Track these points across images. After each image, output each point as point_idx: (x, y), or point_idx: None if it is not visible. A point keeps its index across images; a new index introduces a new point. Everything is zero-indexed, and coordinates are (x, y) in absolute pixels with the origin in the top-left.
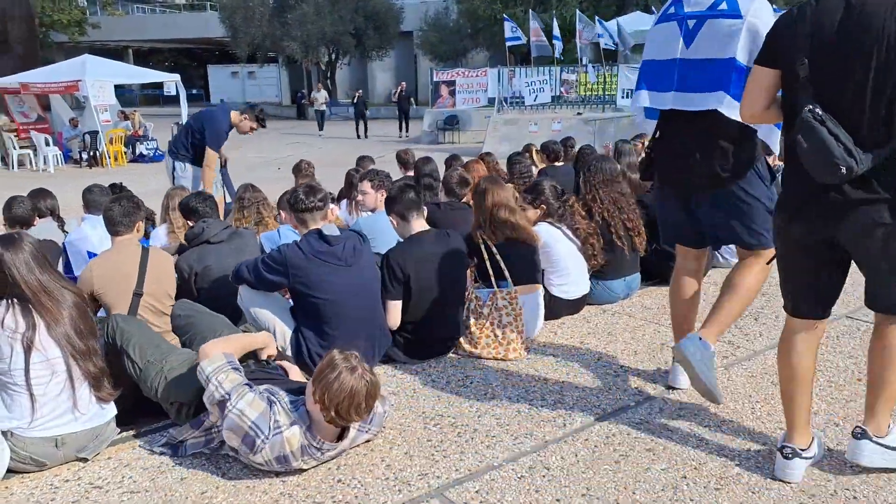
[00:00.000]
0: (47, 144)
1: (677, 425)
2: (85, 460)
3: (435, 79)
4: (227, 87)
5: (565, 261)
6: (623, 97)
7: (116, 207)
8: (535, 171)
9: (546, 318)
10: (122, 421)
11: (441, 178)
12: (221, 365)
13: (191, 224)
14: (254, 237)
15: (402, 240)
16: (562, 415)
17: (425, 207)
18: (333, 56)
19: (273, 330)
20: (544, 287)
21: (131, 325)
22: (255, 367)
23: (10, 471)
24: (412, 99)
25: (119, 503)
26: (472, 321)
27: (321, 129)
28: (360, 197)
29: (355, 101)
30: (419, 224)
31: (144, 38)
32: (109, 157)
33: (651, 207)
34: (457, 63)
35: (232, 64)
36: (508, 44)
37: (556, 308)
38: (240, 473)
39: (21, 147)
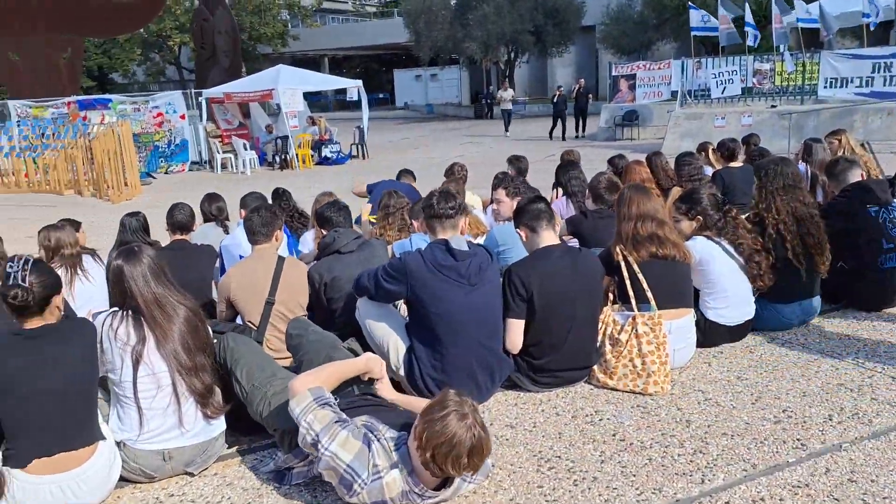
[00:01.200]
0: (245, 149)
1: (847, 493)
2: (192, 475)
3: (614, 73)
4: (411, 90)
5: (724, 281)
6: (826, 86)
7: (255, 217)
8: (709, 172)
9: (700, 346)
10: (238, 431)
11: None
12: (308, 404)
13: (324, 233)
14: (384, 248)
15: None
16: (701, 468)
17: (563, 219)
18: (512, 54)
19: (387, 346)
20: (699, 310)
21: (241, 345)
22: (358, 395)
23: (122, 479)
24: (590, 96)
25: None
26: (607, 348)
27: (507, 129)
28: (494, 205)
29: (555, 98)
30: (549, 237)
31: (339, 47)
32: (298, 160)
33: (837, 217)
34: (640, 56)
35: (415, 67)
36: (696, 34)
37: (713, 334)
38: None
39: (224, 151)
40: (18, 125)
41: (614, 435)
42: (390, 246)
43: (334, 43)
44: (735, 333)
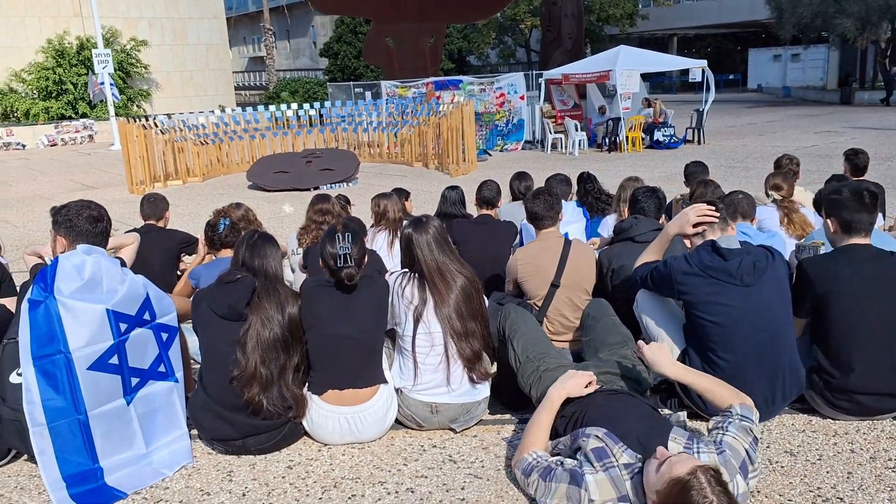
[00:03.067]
0: (577, 130)
1: None
2: (455, 431)
3: None
4: (766, 72)
5: None
6: None
7: (539, 202)
8: None
9: None
10: (501, 402)
11: None
12: (532, 480)
13: (626, 216)
14: (682, 244)
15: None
16: None
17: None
18: None
19: None
20: None
21: (520, 317)
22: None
23: (397, 422)
24: None
25: (462, 483)
26: None
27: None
28: None
29: None
30: (861, 238)
31: (690, 26)
32: (627, 143)
33: None
34: None
35: (774, 46)
36: None
37: None
38: None
39: (556, 132)
40: (386, 103)
41: None
42: None
43: (685, 21)
44: None
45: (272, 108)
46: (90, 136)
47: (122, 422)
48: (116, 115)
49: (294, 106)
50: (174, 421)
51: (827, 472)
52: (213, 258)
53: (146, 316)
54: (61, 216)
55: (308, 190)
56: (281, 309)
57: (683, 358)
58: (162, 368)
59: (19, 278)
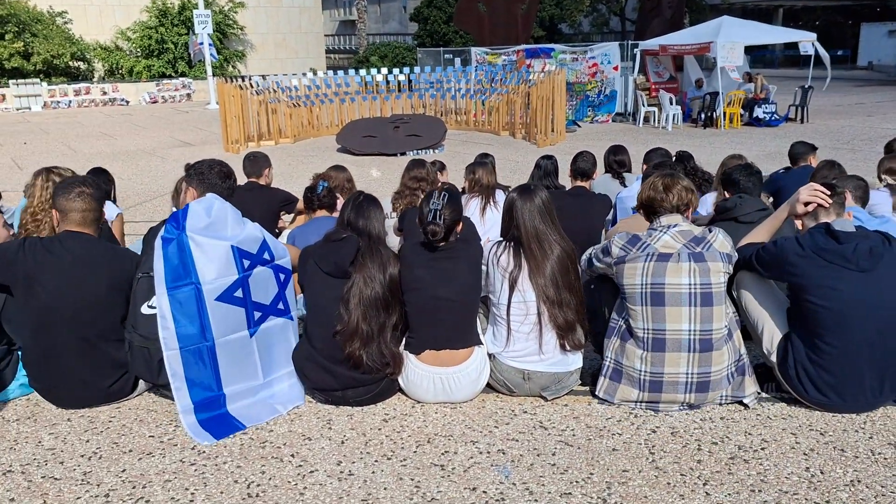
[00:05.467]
0: (671, 103)
1: None
2: (545, 399)
3: None
4: (879, 48)
5: None
6: None
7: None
8: None
9: None
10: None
11: None
12: None
13: (727, 195)
14: (791, 227)
15: None
16: None
17: None
18: None
19: (761, 328)
20: None
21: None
22: None
23: (489, 386)
24: None
25: (554, 449)
26: None
27: None
28: None
29: None
30: None
31: None
32: (725, 119)
33: None
34: None
35: (890, 21)
36: None
37: None
38: (667, 466)
39: (649, 105)
40: (476, 70)
41: None
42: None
43: None
44: None
45: (362, 72)
46: (188, 95)
47: (244, 352)
48: (213, 75)
49: (384, 70)
50: (289, 356)
51: None
52: (307, 220)
53: (266, 256)
54: (194, 170)
55: (395, 155)
56: (383, 269)
57: (786, 343)
58: (281, 306)
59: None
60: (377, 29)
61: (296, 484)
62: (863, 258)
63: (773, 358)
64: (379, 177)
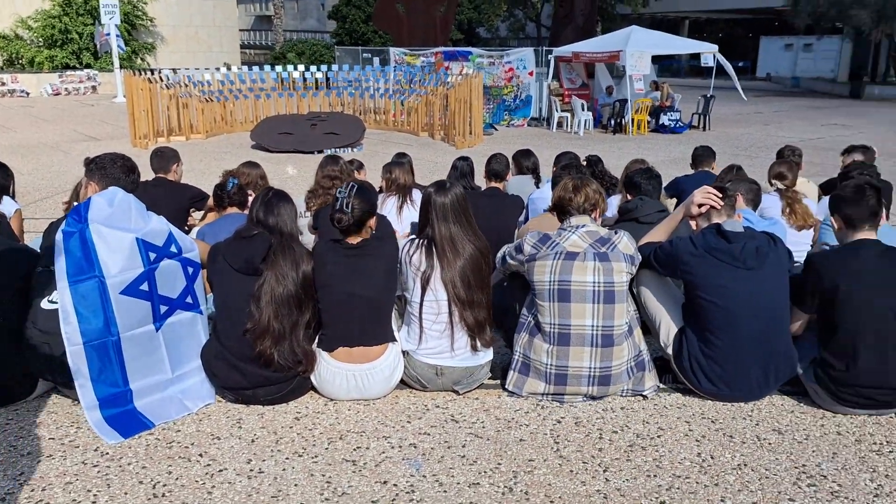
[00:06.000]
0: (583, 109)
1: None
2: (457, 393)
3: None
4: (776, 61)
5: None
6: None
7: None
8: None
9: None
10: None
11: None
12: None
13: (629, 197)
14: (687, 227)
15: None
16: None
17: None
18: None
19: (658, 323)
20: None
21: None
22: None
23: (402, 383)
24: None
25: (464, 441)
26: None
27: None
28: None
29: None
30: (866, 233)
31: (702, 9)
32: (633, 126)
33: None
34: None
35: (787, 35)
36: None
37: None
38: (570, 454)
39: (562, 110)
40: (395, 70)
41: None
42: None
43: (698, 5)
44: None
45: (278, 68)
46: (93, 87)
47: (151, 346)
48: (121, 67)
49: (301, 68)
50: (198, 351)
51: (813, 451)
52: (217, 217)
53: (173, 248)
54: (95, 165)
55: (312, 153)
56: (295, 266)
57: (681, 337)
58: (189, 300)
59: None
60: (294, 25)
61: (203, 483)
62: (750, 257)
63: (670, 351)
64: (295, 174)
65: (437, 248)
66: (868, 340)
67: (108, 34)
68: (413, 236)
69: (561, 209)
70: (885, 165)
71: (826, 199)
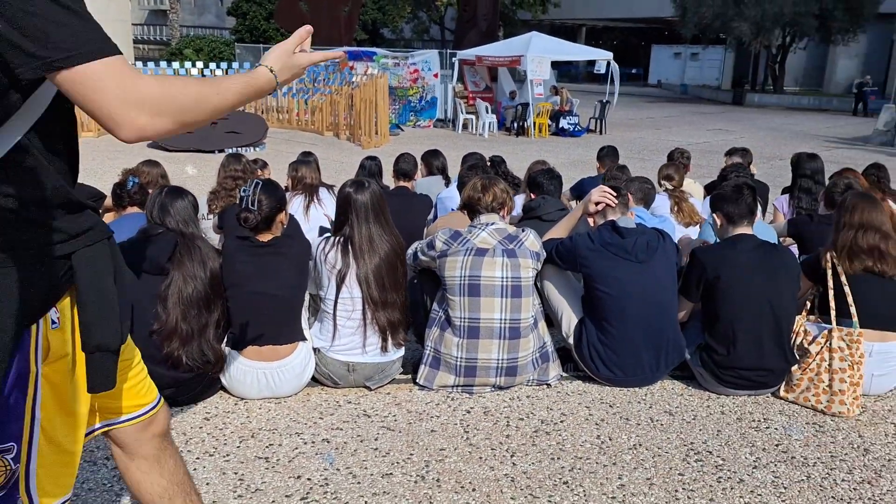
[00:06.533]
0: (487, 112)
1: None
2: (370, 389)
3: None
4: (667, 68)
5: None
6: None
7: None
8: None
9: None
10: None
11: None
12: None
13: (532, 196)
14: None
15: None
16: (864, 498)
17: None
18: (788, 39)
19: (560, 314)
20: None
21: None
22: None
23: (314, 380)
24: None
25: (376, 435)
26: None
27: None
28: None
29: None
30: (744, 228)
31: (598, 17)
32: (535, 129)
33: None
34: None
35: (676, 44)
36: None
37: None
38: (479, 442)
39: (467, 112)
40: None
41: (777, 445)
42: None
43: (594, 13)
44: None
45: (175, 65)
46: None
47: None
48: None
49: (199, 65)
50: None
51: (700, 430)
52: (116, 217)
53: None
54: None
55: (212, 152)
56: (203, 265)
57: (581, 326)
58: None
59: None
60: (191, 21)
61: (111, 486)
62: (640, 251)
63: (571, 340)
64: (195, 174)
65: (355, 247)
66: (746, 326)
67: None
68: (328, 234)
69: (471, 208)
70: (763, 168)
71: (709, 198)
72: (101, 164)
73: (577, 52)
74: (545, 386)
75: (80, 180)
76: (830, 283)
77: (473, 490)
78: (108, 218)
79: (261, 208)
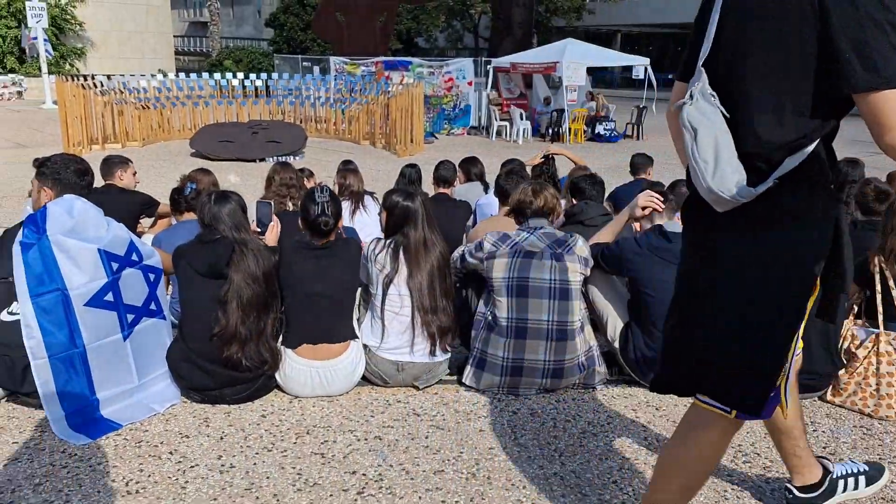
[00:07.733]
0: (521, 119)
1: None
2: (418, 388)
3: None
4: None
5: None
6: None
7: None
8: None
9: None
10: None
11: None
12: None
13: (574, 202)
14: (630, 229)
15: None
16: None
17: None
18: None
19: (605, 318)
20: None
21: None
22: None
23: (364, 379)
24: None
25: (426, 433)
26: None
27: None
28: None
29: None
30: None
31: (634, 23)
32: (570, 135)
33: None
34: None
35: None
36: None
37: None
38: (527, 442)
39: (501, 119)
40: (335, 79)
41: (825, 448)
42: None
43: (630, 19)
44: None
45: (216, 76)
46: (19, 93)
47: (118, 356)
48: (49, 72)
49: (240, 75)
50: (164, 356)
51: (747, 432)
52: (172, 223)
53: (134, 257)
54: (48, 168)
55: (254, 161)
56: (260, 268)
57: (626, 331)
58: (153, 306)
59: None
60: (230, 32)
61: (176, 479)
62: None
63: (616, 345)
64: (238, 182)
65: (409, 253)
66: None
67: (35, 38)
68: (379, 237)
69: (520, 212)
70: None
71: None
72: (144, 174)
73: (613, 58)
74: (591, 389)
75: (137, 188)
76: (878, 287)
77: (524, 488)
78: (161, 224)
79: (333, 217)
